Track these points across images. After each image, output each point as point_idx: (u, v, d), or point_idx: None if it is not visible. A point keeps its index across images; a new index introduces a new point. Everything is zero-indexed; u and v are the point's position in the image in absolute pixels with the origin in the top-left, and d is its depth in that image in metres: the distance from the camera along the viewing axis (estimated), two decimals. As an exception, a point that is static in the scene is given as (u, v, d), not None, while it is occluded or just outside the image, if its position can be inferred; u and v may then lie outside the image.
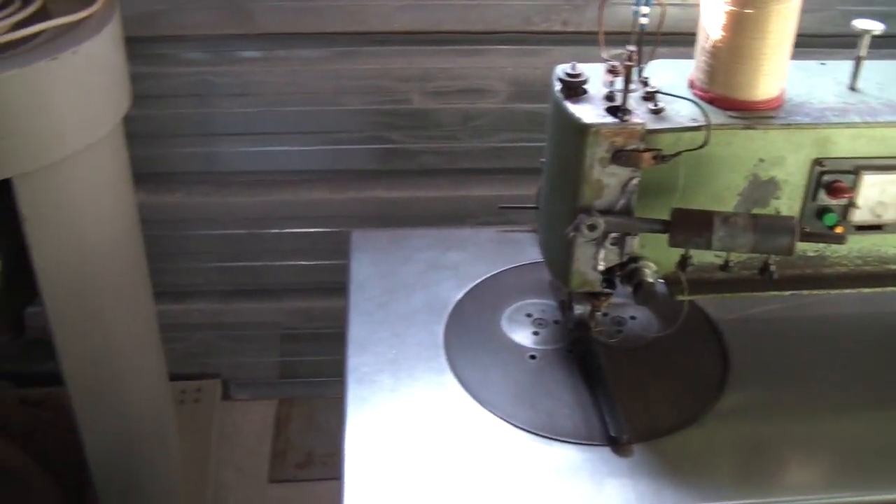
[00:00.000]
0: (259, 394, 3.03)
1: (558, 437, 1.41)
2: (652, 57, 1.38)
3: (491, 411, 1.46)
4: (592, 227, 1.34)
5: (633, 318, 1.66)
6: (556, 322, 1.64)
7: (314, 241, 2.69)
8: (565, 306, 1.62)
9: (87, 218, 1.98)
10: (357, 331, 1.59)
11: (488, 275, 1.75)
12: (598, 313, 1.54)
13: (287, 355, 2.97)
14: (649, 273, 1.39)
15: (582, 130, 1.31)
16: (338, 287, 2.77)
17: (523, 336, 1.61)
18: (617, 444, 1.40)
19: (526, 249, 1.81)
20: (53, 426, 2.74)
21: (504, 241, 1.84)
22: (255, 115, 2.47)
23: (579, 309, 1.56)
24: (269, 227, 2.67)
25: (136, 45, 2.28)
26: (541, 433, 1.42)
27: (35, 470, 2.58)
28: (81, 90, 1.80)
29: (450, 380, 1.51)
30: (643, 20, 1.32)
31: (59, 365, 2.04)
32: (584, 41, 2.42)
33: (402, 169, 2.59)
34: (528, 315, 1.66)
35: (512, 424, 1.44)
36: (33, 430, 2.73)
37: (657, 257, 1.41)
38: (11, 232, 1.96)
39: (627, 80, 1.32)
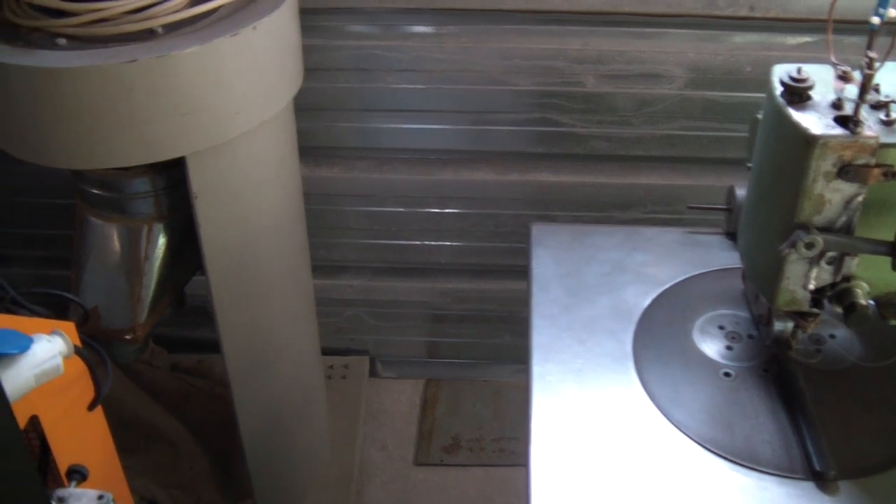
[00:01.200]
0: (406, 373, 2.99)
1: (756, 467, 1.30)
2: (886, 59, 1.23)
3: (684, 432, 1.35)
4: (810, 246, 1.21)
5: (832, 336, 1.52)
6: (750, 336, 1.52)
7: (473, 223, 2.61)
8: (763, 321, 1.49)
9: (254, 194, 1.95)
10: (541, 336, 1.50)
11: (676, 280, 1.63)
12: (802, 333, 1.42)
13: (435, 336, 2.91)
14: (861, 294, 1.27)
15: (807, 142, 1.18)
16: (490, 269, 2.73)
17: (716, 350, 1.50)
18: (822, 480, 1.27)
19: (715, 253, 1.68)
20: (204, 392, 2.77)
21: (691, 243, 1.72)
22: (421, 91, 2.40)
23: (779, 326, 1.43)
24: (428, 206, 2.60)
25: (304, 17, 2.23)
26: (737, 460, 1.31)
27: (185, 434, 2.61)
28: (259, 66, 1.76)
29: (639, 394, 1.41)
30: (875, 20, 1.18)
31: (217, 335, 2.03)
32: (770, 28, 2.27)
33: (570, 153, 2.48)
34: (721, 327, 1.54)
35: (706, 448, 1.33)
36: (185, 396, 2.76)
37: (871, 278, 1.27)
38: (180, 207, 1.94)
39: (864, 90, 1.18)
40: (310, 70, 2.34)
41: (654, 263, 1.67)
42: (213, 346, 2.05)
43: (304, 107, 2.39)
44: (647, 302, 1.59)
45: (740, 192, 1.62)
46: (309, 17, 2.29)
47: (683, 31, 2.31)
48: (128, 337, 2.07)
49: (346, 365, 2.94)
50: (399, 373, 3.00)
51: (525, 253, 1.71)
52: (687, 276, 1.65)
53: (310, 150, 2.49)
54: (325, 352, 2.68)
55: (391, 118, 2.47)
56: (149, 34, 1.68)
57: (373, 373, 2.98)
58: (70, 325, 1.39)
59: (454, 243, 2.68)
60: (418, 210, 2.61)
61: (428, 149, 2.51)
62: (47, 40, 1.67)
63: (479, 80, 2.36)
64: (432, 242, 2.69)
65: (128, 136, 1.66)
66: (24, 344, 1.21)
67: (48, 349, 1.25)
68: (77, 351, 1.34)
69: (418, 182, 2.55)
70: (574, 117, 2.40)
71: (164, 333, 2.69)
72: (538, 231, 1.73)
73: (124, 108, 1.63)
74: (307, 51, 2.29)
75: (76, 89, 1.61)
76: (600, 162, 2.48)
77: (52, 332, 1.28)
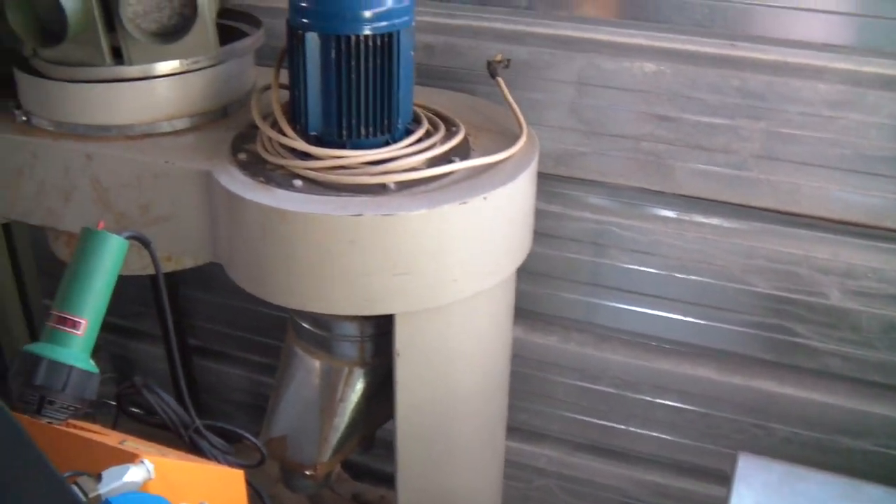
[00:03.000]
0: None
1: None
2: None
3: None
4: None
5: None
6: None
7: (685, 419, 2.45)
8: None
9: (459, 359, 1.91)
10: None
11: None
12: None
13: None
14: None
15: None
16: (695, 469, 2.55)
17: None
18: None
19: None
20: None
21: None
22: (653, 276, 2.30)
23: None
24: (642, 392, 2.47)
25: (545, 182, 2.20)
26: None
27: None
28: (484, 237, 1.73)
29: None
30: None
31: (396, 487, 1.97)
32: None
33: (800, 366, 2.28)
34: None
35: None
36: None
37: None
38: (383, 356, 1.92)
39: None
40: (542, 235, 2.31)
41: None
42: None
43: (531, 270, 2.36)
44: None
45: None
46: (550, 183, 2.27)
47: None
48: (308, 473, 2.05)
49: (530, 536, 2.81)
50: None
51: (728, 478, 1.56)
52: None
53: (527, 312, 2.44)
54: (510, 518, 2.58)
55: (618, 297, 2.37)
56: (381, 188, 1.69)
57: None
58: (239, 474, 1.37)
59: (661, 435, 2.52)
60: (630, 395, 2.48)
61: (650, 335, 2.39)
62: (286, 180, 1.71)
63: (717, 274, 2.24)
64: (639, 430, 2.54)
65: (342, 286, 1.66)
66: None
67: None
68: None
69: (635, 366, 2.42)
70: (811, 329, 2.22)
71: (351, 459, 2.67)
72: (745, 465, 1.58)
73: (343, 259, 1.63)
74: (542, 216, 2.26)
75: (301, 232, 1.63)
76: (833, 381, 2.27)
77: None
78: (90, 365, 1.32)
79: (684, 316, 2.33)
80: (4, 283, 2.95)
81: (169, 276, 2.69)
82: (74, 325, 1.31)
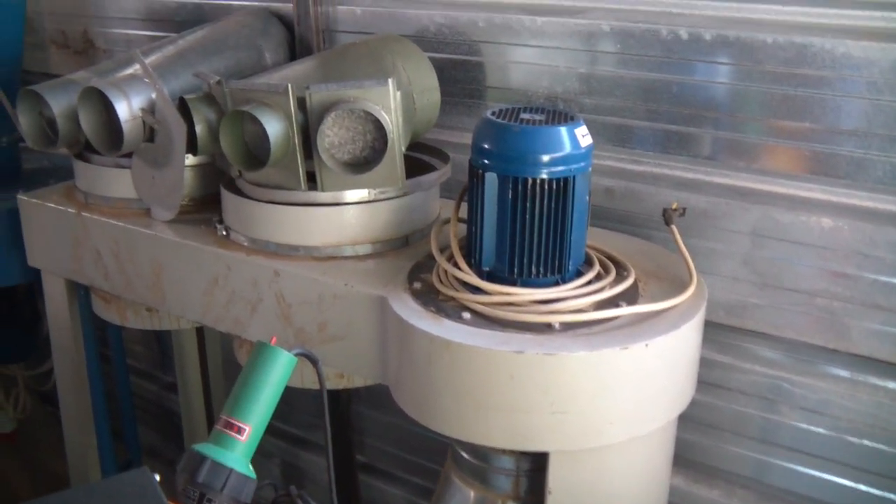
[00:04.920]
0: None
1: None
2: None
3: None
4: None
5: None
6: None
7: None
8: None
9: (612, 502, 1.88)
10: None
11: None
12: None
13: None
14: None
15: None
16: None
17: None
18: None
19: None
20: None
21: None
22: (823, 436, 2.21)
23: None
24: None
25: (713, 331, 2.19)
26: None
27: None
28: (644, 383, 1.73)
29: None
30: None
31: None
32: None
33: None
34: None
35: None
36: None
37: None
38: (537, 493, 1.93)
39: None
40: (709, 385, 2.28)
41: None
42: None
43: (696, 419, 2.32)
44: None
45: None
46: (720, 333, 2.25)
47: None
48: None
49: None
50: None
51: None
52: None
53: (690, 462, 2.39)
54: None
55: (786, 456, 2.29)
56: (545, 327, 1.73)
57: None
58: None
59: None
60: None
61: (819, 499, 2.29)
62: (455, 311, 1.78)
63: (892, 441, 2.14)
64: None
65: (499, 420, 1.70)
66: None
67: None
68: None
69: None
70: None
71: None
72: None
73: (501, 393, 1.67)
74: (709, 365, 2.24)
75: (464, 363, 1.69)
76: None
77: None
78: (249, 470, 1.41)
79: (855, 483, 2.22)
80: (192, 381, 3.15)
81: (343, 392, 2.81)
82: (239, 430, 1.40)
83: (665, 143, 2.22)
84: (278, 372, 1.43)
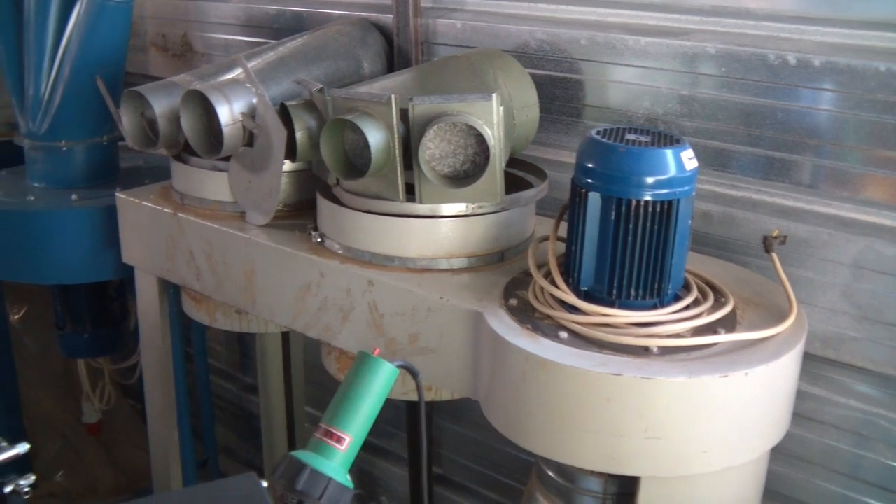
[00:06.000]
0: None
1: None
2: None
3: None
4: None
5: None
6: None
7: None
8: None
9: (700, 532, 1.85)
10: None
11: None
12: None
13: None
14: None
15: None
16: None
17: None
18: None
19: None
20: None
21: None
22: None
23: None
24: None
25: (809, 362, 2.14)
26: None
27: None
28: (740, 412, 1.70)
29: None
30: None
31: None
32: None
33: None
34: None
35: None
36: None
37: None
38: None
39: None
40: (801, 417, 2.23)
41: None
42: None
43: (786, 451, 2.28)
44: None
45: None
46: (815, 364, 2.20)
47: None
48: None
49: None
50: None
51: None
52: None
53: (778, 496, 2.34)
54: None
55: (878, 495, 2.23)
56: (643, 350, 1.71)
57: None
58: None
59: None
60: None
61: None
62: (552, 330, 1.77)
63: None
64: None
65: (592, 441, 1.68)
66: None
67: None
68: None
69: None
70: None
71: None
72: None
73: (596, 415, 1.65)
74: (804, 397, 2.19)
75: (560, 383, 1.67)
76: None
77: None
78: (347, 480, 1.41)
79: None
80: (274, 384, 3.18)
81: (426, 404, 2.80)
82: (339, 440, 1.41)
83: (766, 170, 2.18)
84: (380, 383, 1.43)
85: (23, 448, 1.31)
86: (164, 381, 2.80)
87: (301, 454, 1.40)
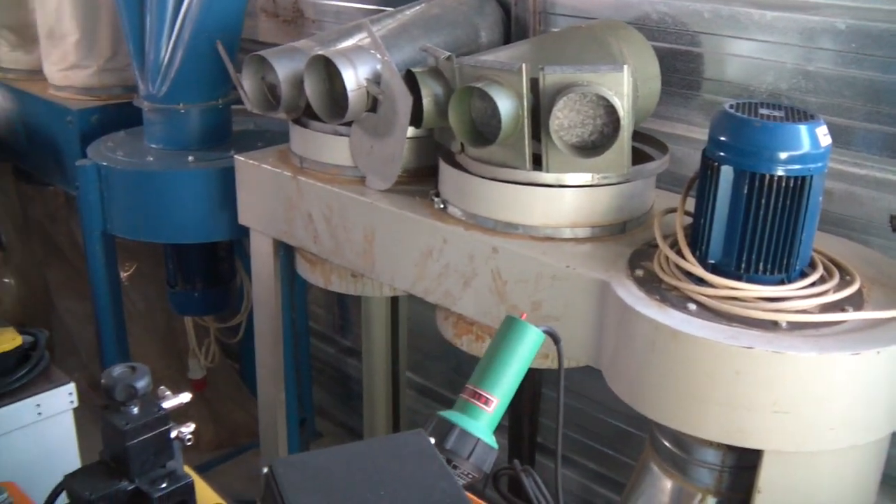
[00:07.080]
0: None
1: None
2: None
3: None
4: None
5: None
6: None
7: None
8: None
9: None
10: None
11: None
12: None
13: None
14: None
15: None
16: None
17: None
18: None
19: None
20: None
21: None
22: None
23: None
24: None
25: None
26: None
27: None
28: (869, 391, 1.69)
29: None
30: None
31: None
32: None
33: None
34: None
35: None
36: None
37: None
38: (739, 491, 1.91)
39: None
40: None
41: None
42: None
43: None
44: None
45: None
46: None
47: None
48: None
49: None
50: None
51: None
52: None
53: (892, 479, 2.32)
54: None
55: None
56: (771, 325, 1.71)
57: None
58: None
59: None
60: None
61: None
62: (680, 301, 1.78)
63: None
64: None
65: (719, 413, 1.69)
66: None
67: None
68: None
69: None
70: None
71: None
72: None
73: (724, 388, 1.67)
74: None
75: (690, 354, 1.69)
76: None
77: None
78: (493, 440, 1.44)
79: None
80: (377, 347, 3.23)
81: (536, 372, 2.82)
82: (487, 402, 1.44)
83: (893, 148, 2.15)
84: (527, 347, 1.46)
85: (186, 397, 1.38)
86: (274, 341, 2.87)
87: (449, 414, 1.43)
